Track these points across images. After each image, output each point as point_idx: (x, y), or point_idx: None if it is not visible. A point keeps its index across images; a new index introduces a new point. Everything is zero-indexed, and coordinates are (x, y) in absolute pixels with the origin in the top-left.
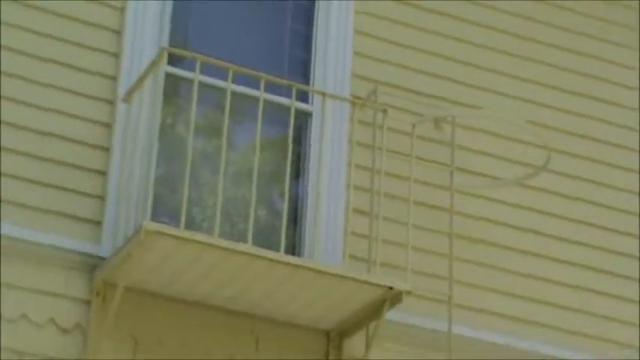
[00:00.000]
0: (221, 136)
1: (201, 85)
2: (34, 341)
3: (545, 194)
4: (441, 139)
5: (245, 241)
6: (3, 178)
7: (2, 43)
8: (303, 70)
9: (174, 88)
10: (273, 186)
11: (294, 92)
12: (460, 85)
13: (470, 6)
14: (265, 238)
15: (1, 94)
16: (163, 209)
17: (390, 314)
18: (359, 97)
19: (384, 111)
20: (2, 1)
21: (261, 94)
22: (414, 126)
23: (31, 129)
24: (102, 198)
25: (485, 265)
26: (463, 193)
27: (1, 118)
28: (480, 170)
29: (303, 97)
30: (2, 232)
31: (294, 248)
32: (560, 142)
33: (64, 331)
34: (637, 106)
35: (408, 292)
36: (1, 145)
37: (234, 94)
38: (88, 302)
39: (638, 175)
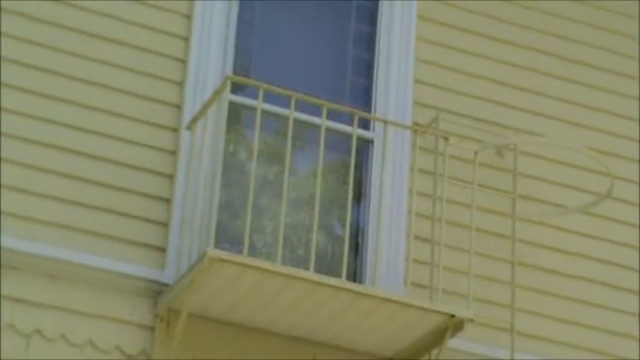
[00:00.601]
0: (280, 162)
1: (263, 112)
2: None
3: (608, 222)
4: (503, 167)
5: (304, 266)
6: (68, 205)
7: (68, 73)
8: (364, 97)
9: (235, 115)
10: (333, 212)
11: (356, 120)
12: (522, 112)
13: (532, 34)
14: (325, 264)
15: (69, 122)
16: (224, 235)
17: (452, 342)
18: (420, 125)
19: (446, 138)
20: (71, 33)
21: (324, 122)
22: (476, 153)
23: (97, 156)
24: (166, 225)
25: (548, 293)
26: (525, 220)
27: (68, 146)
28: (543, 198)
29: (364, 124)
30: (68, 259)
31: (354, 275)
32: (623, 169)
33: (129, 357)
34: None
35: (471, 320)
36: (66, 172)
37: (294, 120)
38: (152, 328)
39: None
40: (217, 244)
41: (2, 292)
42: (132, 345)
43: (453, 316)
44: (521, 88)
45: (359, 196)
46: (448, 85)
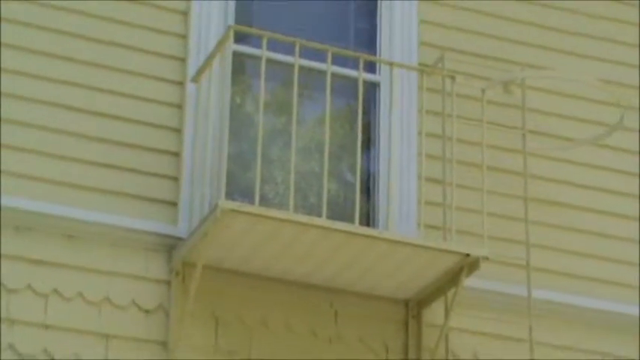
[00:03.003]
0: (288, 112)
1: (268, 61)
2: (118, 323)
3: (619, 153)
4: (512, 103)
5: (318, 214)
6: (78, 164)
7: (72, 30)
8: (368, 40)
9: (239, 66)
10: (342, 158)
11: (361, 64)
12: (528, 46)
13: None
14: (337, 211)
15: (75, 80)
16: (235, 187)
17: (468, 281)
18: (426, 65)
19: (452, 77)
20: None
21: (329, 67)
22: (483, 91)
23: (104, 114)
24: (176, 179)
25: (562, 228)
26: (536, 155)
27: (75, 105)
28: (553, 132)
29: (370, 67)
30: (82, 218)
31: (368, 220)
32: (633, 99)
33: (147, 312)
34: None
35: (486, 258)
36: (74, 130)
37: (299, 68)
38: (168, 283)
39: None
40: (228, 196)
41: (20, 254)
42: (149, 300)
43: (467, 255)
44: (526, 22)
45: (368, 140)
46: (453, 24)
